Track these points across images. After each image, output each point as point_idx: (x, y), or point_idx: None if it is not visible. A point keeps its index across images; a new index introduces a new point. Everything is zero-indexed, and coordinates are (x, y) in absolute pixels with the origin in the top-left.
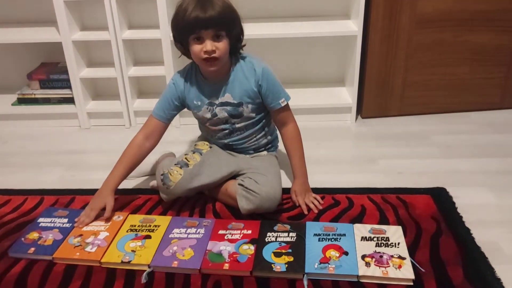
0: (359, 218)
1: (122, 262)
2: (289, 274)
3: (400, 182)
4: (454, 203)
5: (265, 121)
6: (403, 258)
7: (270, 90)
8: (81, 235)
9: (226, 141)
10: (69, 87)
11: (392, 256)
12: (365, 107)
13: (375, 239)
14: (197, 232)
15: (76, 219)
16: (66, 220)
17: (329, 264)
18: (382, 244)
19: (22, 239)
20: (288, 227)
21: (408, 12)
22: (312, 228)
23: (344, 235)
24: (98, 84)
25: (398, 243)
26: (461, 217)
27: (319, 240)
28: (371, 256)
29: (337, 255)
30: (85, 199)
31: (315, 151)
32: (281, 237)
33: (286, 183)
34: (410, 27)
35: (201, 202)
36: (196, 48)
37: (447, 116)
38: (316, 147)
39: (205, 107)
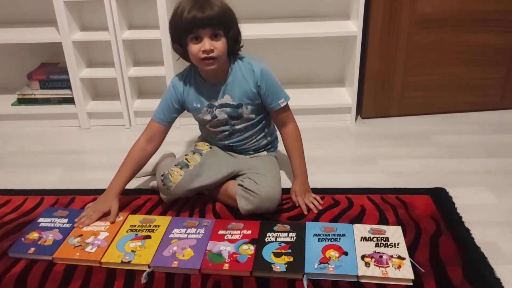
0: (358, 218)
1: (122, 262)
2: (288, 274)
3: (400, 182)
4: (453, 203)
5: (265, 122)
6: (403, 258)
7: (269, 91)
8: (81, 235)
9: (226, 143)
10: (69, 87)
11: (391, 256)
12: (365, 107)
13: (374, 239)
14: (197, 232)
15: (76, 219)
16: (66, 220)
17: (328, 264)
18: (381, 244)
19: (22, 239)
20: (288, 227)
21: (408, 12)
22: (312, 228)
23: (344, 235)
24: (98, 84)
25: (398, 243)
26: (460, 217)
27: (318, 240)
28: (371, 256)
29: (337, 255)
30: (85, 199)
31: (315, 151)
32: (281, 237)
33: (286, 183)
34: (409, 28)
35: (201, 202)
36: (194, 48)
37: (446, 116)
38: (316, 147)
39: (205, 109)
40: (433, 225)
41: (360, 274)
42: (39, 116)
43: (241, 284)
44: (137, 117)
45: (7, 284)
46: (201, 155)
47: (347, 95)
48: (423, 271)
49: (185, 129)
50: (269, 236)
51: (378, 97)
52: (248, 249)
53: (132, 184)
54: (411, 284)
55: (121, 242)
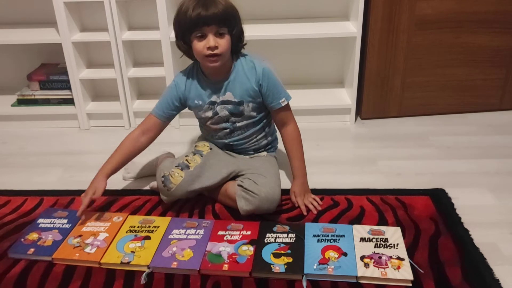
0: (358, 219)
1: (121, 263)
2: (288, 275)
3: (399, 183)
4: (453, 204)
5: (265, 121)
6: (402, 259)
7: (270, 89)
8: (80, 235)
9: (226, 141)
10: (69, 88)
11: (391, 257)
12: (364, 108)
13: (374, 240)
14: (197, 233)
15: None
16: (65, 220)
17: (328, 265)
18: (381, 245)
19: (22, 239)
20: (287, 228)
21: (407, 13)
22: (311, 229)
23: (343, 236)
24: (98, 85)
25: (397, 244)
26: (459, 218)
27: (318, 241)
28: (370, 257)
29: (336, 256)
30: None
31: (314, 152)
32: (280, 238)
33: (286, 183)
34: (409, 29)
35: (201, 203)
36: (198, 45)
37: (446, 117)
38: (315, 148)
39: (206, 106)
40: (432, 226)
41: (359, 274)
42: (39, 116)
43: (240, 284)
44: (137, 118)
45: (6, 284)
46: (202, 156)
47: (346, 96)
48: (422, 271)
49: (185, 130)
50: (269, 237)
51: (377, 98)
52: (248, 250)
53: (132, 185)
54: (410, 284)
55: (121, 242)
